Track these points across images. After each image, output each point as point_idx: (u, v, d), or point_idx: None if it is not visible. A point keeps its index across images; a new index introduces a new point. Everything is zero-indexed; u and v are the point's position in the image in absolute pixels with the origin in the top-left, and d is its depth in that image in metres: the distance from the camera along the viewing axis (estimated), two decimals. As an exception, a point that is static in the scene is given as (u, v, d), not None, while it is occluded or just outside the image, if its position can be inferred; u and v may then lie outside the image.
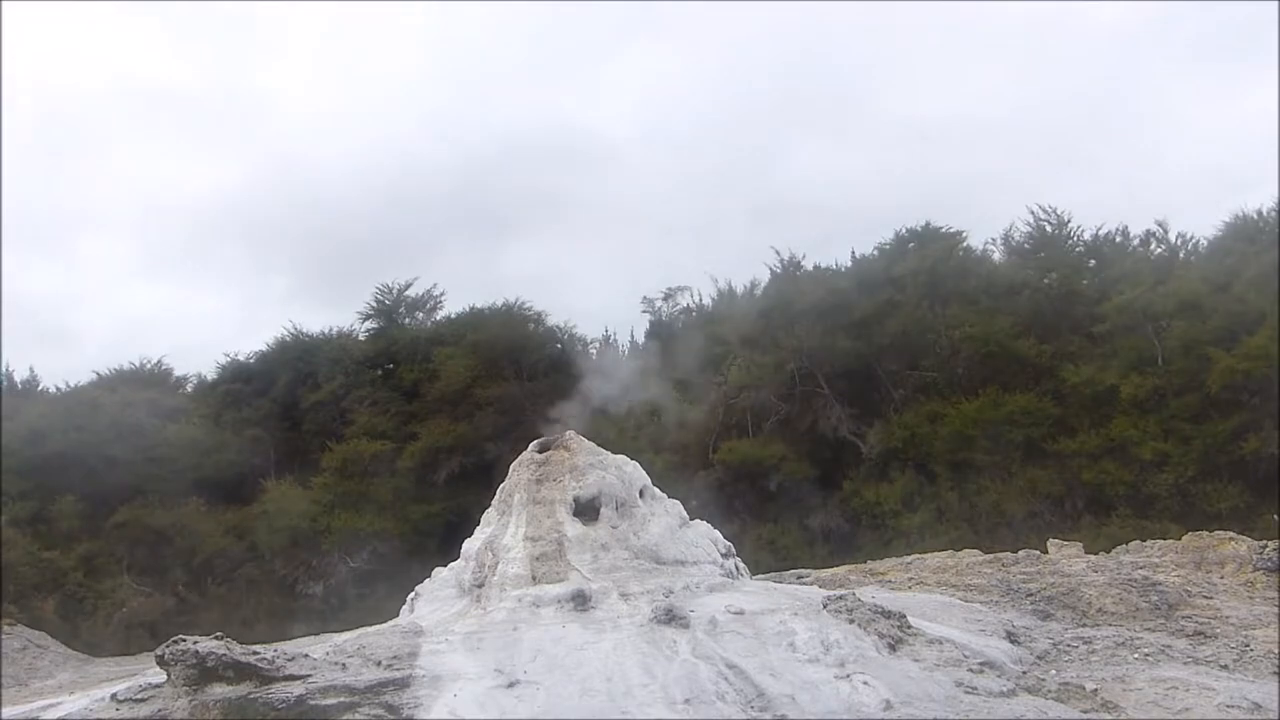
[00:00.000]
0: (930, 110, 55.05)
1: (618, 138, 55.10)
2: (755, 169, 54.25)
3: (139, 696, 7.82)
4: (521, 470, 11.59)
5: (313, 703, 7.19)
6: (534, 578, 10.04)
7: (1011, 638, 9.18)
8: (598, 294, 47.63)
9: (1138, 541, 13.86)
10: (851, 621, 8.55)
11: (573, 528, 10.66)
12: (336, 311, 48.88)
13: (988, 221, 58.69)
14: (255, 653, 7.61)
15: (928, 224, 27.21)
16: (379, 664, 8.01)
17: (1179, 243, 26.50)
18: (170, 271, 53.06)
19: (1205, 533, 13.17)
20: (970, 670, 7.81)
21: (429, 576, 11.54)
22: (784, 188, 51.18)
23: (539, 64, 61.29)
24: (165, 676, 7.67)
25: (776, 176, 52.61)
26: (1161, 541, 13.52)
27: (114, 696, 8.00)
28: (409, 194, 52.34)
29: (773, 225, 56.98)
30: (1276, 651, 8.68)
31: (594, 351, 29.79)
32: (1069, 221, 27.05)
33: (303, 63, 61.76)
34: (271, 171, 56.01)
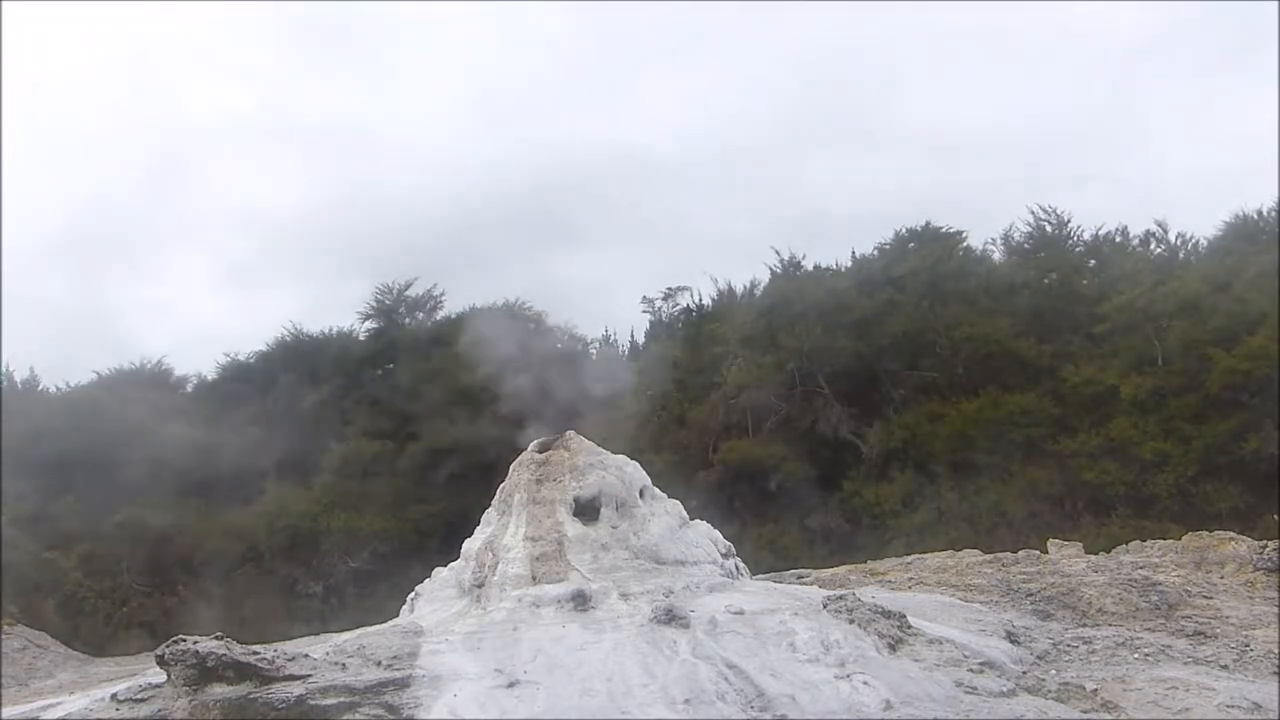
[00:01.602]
0: (937, 118, 55.54)
1: (647, 151, 55.87)
2: (772, 178, 54.86)
3: (139, 696, 7.82)
4: (521, 470, 11.59)
5: (313, 703, 7.20)
6: (534, 578, 10.03)
7: (1011, 638, 9.17)
8: (599, 294, 47.86)
9: (1138, 541, 13.86)
10: (851, 621, 8.55)
11: (573, 528, 10.66)
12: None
13: (988, 222, 58.97)
14: (255, 653, 7.61)
15: (928, 224, 27.22)
16: (379, 664, 8.01)
17: (1179, 243, 26.54)
18: (246, 282, 54.01)
19: (1205, 533, 13.16)
20: (970, 670, 7.81)
21: (429, 576, 11.54)
22: (798, 195, 51.66)
23: (568, 79, 62.67)
24: (165, 676, 7.66)
25: (791, 182, 53.14)
26: (1161, 541, 13.52)
27: (114, 696, 8.00)
28: (461, 206, 53.16)
29: (786, 231, 58.45)
30: (1276, 651, 8.68)
31: (594, 352, 29.83)
32: (1069, 221, 27.09)
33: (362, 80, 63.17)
34: (344, 186, 57.36)
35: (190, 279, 54.99)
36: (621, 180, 55.10)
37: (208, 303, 53.13)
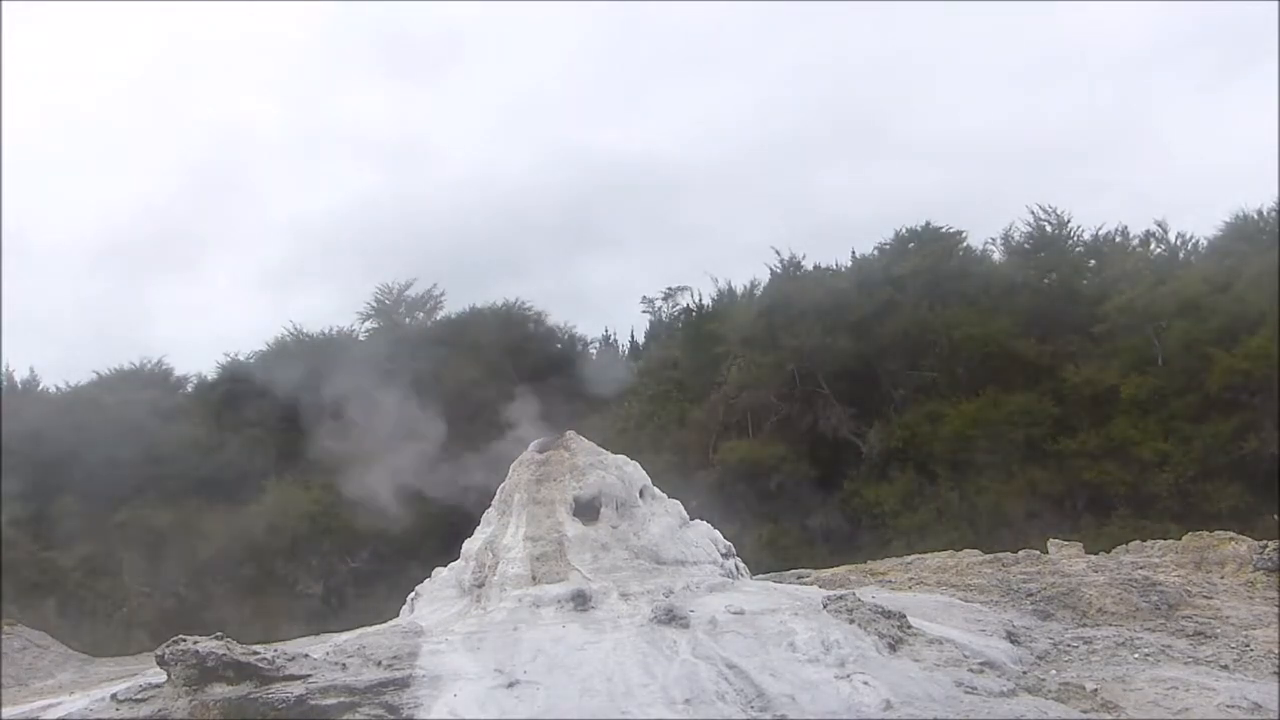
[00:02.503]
0: (943, 122, 55.86)
1: (656, 158, 56.55)
2: (780, 182, 55.44)
3: (139, 696, 7.82)
4: (521, 470, 11.58)
5: (313, 703, 7.20)
6: (534, 578, 10.03)
7: (1011, 638, 9.17)
8: (608, 297, 48.15)
9: (1138, 541, 13.84)
10: (851, 621, 8.54)
11: (573, 528, 10.66)
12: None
13: (990, 226, 59.30)
14: (255, 653, 7.62)
15: (928, 224, 27.17)
16: (379, 664, 8.01)
17: (1179, 243, 26.51)
18: (281, 286, 54.54)
19: (1205, 533, 13.14)
20: (970, 670, 7.81)
21: (429, 576, 11.54)
22: (804, 199, 52.08)
23: (578, 88, 63.70)
24: (165, 676, 7.67)
25: (798, 185, 53.61)
26: (1161, 541, 13.50)
27: (114, 696, 8.00)
28: (482, 211, 53.79)
29: (791, 233, 59.91)
30: (1276, 651, 8.68)
31: (594, 352, 29.84)
32: (1069, 221, 27.05)
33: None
34: (375, 193, 57.87)
35: (227, 283, 55.75)
36: (633, 186, 55.65)
37: (244, 306, 53.76)
